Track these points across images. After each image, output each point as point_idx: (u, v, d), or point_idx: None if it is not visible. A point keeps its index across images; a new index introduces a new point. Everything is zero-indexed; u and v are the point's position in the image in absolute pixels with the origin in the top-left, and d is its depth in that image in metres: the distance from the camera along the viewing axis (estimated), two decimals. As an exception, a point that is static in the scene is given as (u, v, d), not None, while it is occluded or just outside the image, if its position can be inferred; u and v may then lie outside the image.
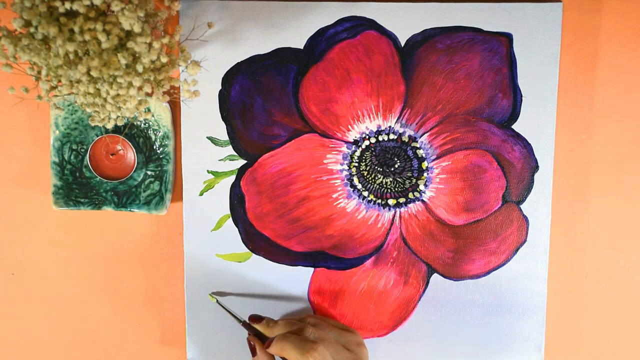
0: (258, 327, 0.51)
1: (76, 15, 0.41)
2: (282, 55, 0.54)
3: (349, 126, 0.54)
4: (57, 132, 0.54)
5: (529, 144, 0.54)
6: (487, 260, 0.55)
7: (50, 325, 0.58)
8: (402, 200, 0.55)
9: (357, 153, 0.55)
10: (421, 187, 0.55)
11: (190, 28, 0.53)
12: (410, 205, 0.55)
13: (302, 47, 0.54)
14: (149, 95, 0.50)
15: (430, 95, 0.54)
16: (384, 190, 0.55)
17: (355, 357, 0.49)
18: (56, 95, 0.46)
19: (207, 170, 0.55)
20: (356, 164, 0.55)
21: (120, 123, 0.48)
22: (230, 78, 0.54)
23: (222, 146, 0.55)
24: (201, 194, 0.55)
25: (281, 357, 0.48)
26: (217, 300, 0.55)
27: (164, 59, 0.44)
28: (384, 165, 0.55)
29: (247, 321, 0.52)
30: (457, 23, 0.53)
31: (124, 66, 0.43)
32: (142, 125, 0.55)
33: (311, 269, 0.56)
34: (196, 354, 0.56)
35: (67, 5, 0.40)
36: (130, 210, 0.55)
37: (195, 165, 0.55)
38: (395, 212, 0.55)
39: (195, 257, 0.55)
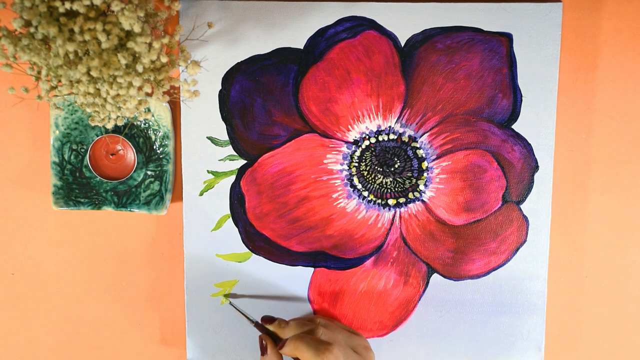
0: (270, 327, 0.51)
1: (76, 15, 0.41)
2: (282, 55, 0.54)
3: (349, 126, 0.54)
4: (57, 132, 0.54)
5: (529, 144, 0.54)
6: (487, 260, 0.55)
7: (50, 325, 0.58)
8: (402, 200, 0.55)
9: (357, 153, 0.55)
10: (421, 187, 0.55)
11: (190, 28, 0.53)
12: (410, 205, 0.55)
13: (302, 47, 0.54)
14: (149, 95, 0.50)
15: (430, 95, 0.54)
16: (384, 190, 0.55)
17: None
18: (56, 95, 0.46)
19: (207, 170, 0.55)
20: (356, 164, 0.55)
21: (120, 123, 0.48)
22: (230, 78, 0.54)
23: (222, 146, 0.55)
24: (201, 194, 0.55)
25: (294, 358, 0.48)
26: (230, 302, 0.55)
27: (164, 59, 0.44)
28: (384, 165, 0.55)
29: (260, 322, 0.52)
30: (457, 23, 0.53)
31: (124, 66, 0.43)
32: (142, 125, 0.55)
33: (311, 269, 0.56)
34: (196, 354, 0.56)
35: (67, 5, 0.40)
36: (130, 210, 0.55)
37: (195, 165, 0.55)
38: (395, 212, 0.55)
39: (195, 257, 0.55)
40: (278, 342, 0.50)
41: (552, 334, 0.57)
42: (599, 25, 0.55)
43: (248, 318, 0.53)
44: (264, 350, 0.50)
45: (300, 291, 0.56)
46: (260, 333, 0.52)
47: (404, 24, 0.53)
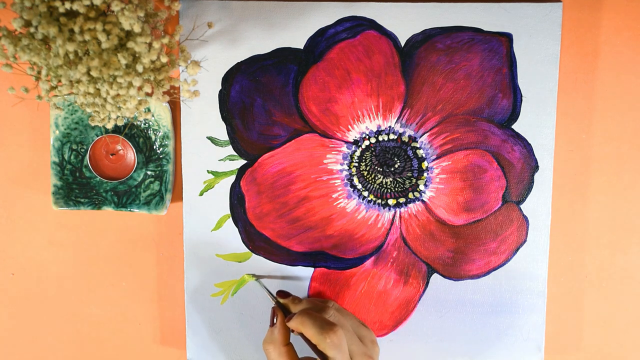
0: (284, 301, 0.52)
1: (76, 15, 0.41)
2: (282, 55, 0.54)
3: (349, 126, 0.54)
4: (57, 132, 0.54)
5: (529, 144, 0.54)
6: (487, 260, 0.55)
7: (50, 325, 0.58)
8: (402, 200, 0.55)
9: (357, 153, 0.55)
10: (421, 187, 0.55)
11: (190, 28, 0.53)
12: (410, 205, 0.55)
13: (302, 47, 0.54)
14: (149, 95, 0.50)
15: (430, 95, 0.54)
16: (384, 190, 0.55)
17: (367, 352, 0.49)
18: (56, 95, 0.46)
19: (207, 170, 0.55)
20: (356, 164, 0.55)
21: (120, 123, 0.48)
22: (230, 78, 0.54)
23: (222, 146, 0.55)
24: (201, 194, 0.55)
25: (299, 333, 0.48)
26: (257, 279, 0.55)
27: (164, 59, 0.44)
28: (384, 165, 0.55)
29: (275, 295, 0.53)
30: (457, 23, 0.53)
31: (124, 66, 0.43)
32: (142, 125, 0.55)
33: (311, 269, 0.56)
34: (196, 354, 0.56)
35: (67, 5, 0.40)
36: (130, 210, 0.55)
37: (195, 165, 0.55)
38: (395, 212, 0.55)
39: (195, 257, 0.55)
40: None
41: (552, 334, 0.57)
42: (599, 25, 0.55)
43: (272, 296, 0.53)
44: (272, 323, 0.51)
45: (300, 291, 0.56)
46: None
47: (404, 24, 0.53)
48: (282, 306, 0.52)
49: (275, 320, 0.51)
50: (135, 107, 0.45)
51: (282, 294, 0.53)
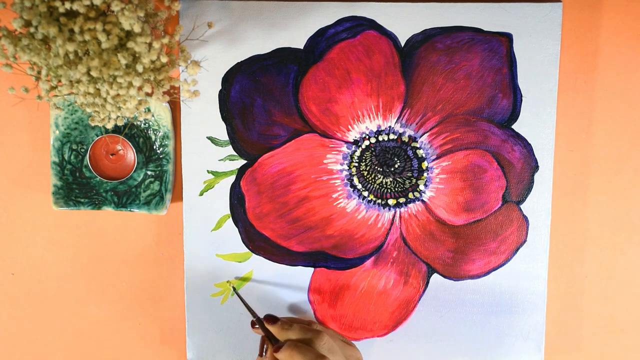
0: (272, 329, 0.50)
1: (76, 15, 0.41)
2: (282, 55, 0.54)
3: (349, 126, 0.54)
4: (57, 132, 0.54)
5: (529, 144, 0.54)
6: (487, 260, 0.55)
7: (50, 325, 0.58)
8: (402, 200, 0.55)
9: (357, 153, 0.55)
10: (421, 187, 0.55)
11: (190, 28, 0.53)
12: (410, 205, 0.55)
13: (302, 47, 0.54)
14: (149, 95, 0.50)
15: (430, 95, 0.54)
16: (384, 190, 0.55)
17: None
18: (56, 95, 0.46)
19: (207, 170, 0.55)
20: (356, 164, 0.55)
21: (120, 123, 0.48)
22: (230, 78, 0.54)
23: (222, 146, 0.55)
24: (201, 194, 0.55)
25: None
26: (235, 290, 0.53)
27: (164, 59, 0.44)
28: (384, 165, 0.55)
29: (261, 319, 0.51)
30: (457, 23, 0.53)
31: (124, 66, 0.43)
32: (142, 125, 0.55)
33: (311, 269, 0.56)
34: (196, 354, 0.56)
35: (67, 5, 0.40)
36: (130, 210, 0.55)
37: (195, 165, 0.55)
38: (395, 212, 0.55)
39: (195, 257, 0.55)
40: (275, 342, 0.49)
41: (552, 334, 0.57)
42: (599, 25, 0.55)
43: (251, 311, 0.52)
44: (262, 352, 0.50)
45: (300, 291, 0.56)
46: (261, 331, 0.51)
47: (404, 24, 0.53)
48: (268, 331, 0.50)
49: (265, 351, 0.49)
50: (135, 107, 0.45)
51: (270, 319, 0.50)
